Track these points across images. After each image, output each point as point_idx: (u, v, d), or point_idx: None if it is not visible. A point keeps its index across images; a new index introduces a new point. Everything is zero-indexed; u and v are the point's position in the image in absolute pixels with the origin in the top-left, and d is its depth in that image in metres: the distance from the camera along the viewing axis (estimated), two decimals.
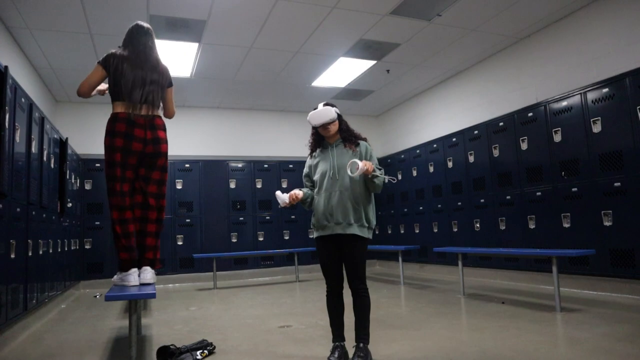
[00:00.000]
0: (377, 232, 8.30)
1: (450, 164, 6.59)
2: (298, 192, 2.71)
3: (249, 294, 5.82)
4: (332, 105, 2.76)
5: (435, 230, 6.82)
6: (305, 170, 2.89)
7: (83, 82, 2.93)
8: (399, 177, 7.79)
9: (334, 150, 2.75)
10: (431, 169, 7.00)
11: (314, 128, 2.80)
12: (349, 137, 2.77)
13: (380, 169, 2.67)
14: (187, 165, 7.52)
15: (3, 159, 3.09)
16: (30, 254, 3.83)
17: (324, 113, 2.69)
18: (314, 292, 5.71)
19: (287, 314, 4.31)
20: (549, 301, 4.19)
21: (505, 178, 5.60)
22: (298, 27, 5.10)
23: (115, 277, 2.90)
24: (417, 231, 7.21)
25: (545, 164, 5.04)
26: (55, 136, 5.06)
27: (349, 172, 2.52)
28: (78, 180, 6.54)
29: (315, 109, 2.76)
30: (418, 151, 7.33)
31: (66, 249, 5.46)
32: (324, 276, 2.73)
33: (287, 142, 8.38)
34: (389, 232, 8.03)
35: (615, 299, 4.20)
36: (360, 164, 2.46)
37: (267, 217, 7.85)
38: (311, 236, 7.85)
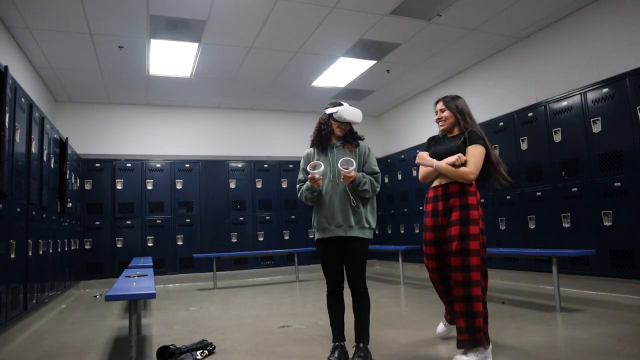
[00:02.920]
0: (377, 232, 8.30)
1: None
2: (319, 180, 2.60)
3: (249, 294, 5.82)
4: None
5: None
6: (303, 165, 2.81)
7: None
8: (399, 177, 7.79)
9: (334, 152, 2.73)
10: None
11: (329, 121, 2.74)
12: (349, 139, 2.76)
13: (377, 173, 2.69)
14: (187, 165, 7.52)
15: (3, 159, 3.09)
16: (30, 254, 3.83)
17: (358, 115, 2.71)
18: (314, 292, 5.71)
19: (287, 314, 4.31)
20: (549, 301, 4.19)
21: None
22: (298, 27, 5.10)
23: (469, 357, 2.46)
24: (417, 231, 7.20)
25: (545, 164, 5.04)
26: (55, 136, 5.06)
27: (338, 165, 2.55)
28: (78, 180, 6.54)
29: (337, 104, 2.74)
30: (418, 151, 7.31)
31: (66, 249, 5.46)
32: (325, 277, 2.73)
33: (287, 142, 8.38)
34: (389, 232, 8.03)
35: (615, 299, 4.19)
36: (347, 170, 2.51)
37: (267, 217, 7.84)
38: (311, 236, 7.86)
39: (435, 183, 2.82)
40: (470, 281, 2.48)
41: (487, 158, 2.70)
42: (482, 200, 5.90)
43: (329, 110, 2.75)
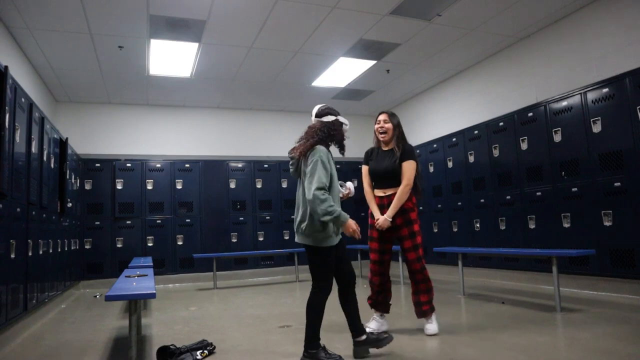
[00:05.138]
0: None
1: (450, 164, 6.59)
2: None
3: (249, 294, 5.82)
4: (326, 114, 2.83)
5: (435, 230, 6.82)
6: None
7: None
8: None
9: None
10: (431, 169, 7.00)
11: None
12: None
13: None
14: (187, 165, 7.52)
15: (3, 159, 3.09)
16: (30, 254, 3.83)
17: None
18: None
19: (287, 314, 4.31)
20: (549, 301, 4.19)
21: (505, 178, 5.60)
22: (298, 27, 5.10)
23: (434, 324, 3.23)
24: None
25: (545, 164, 5.03)
26: (55, 136, 5.06)
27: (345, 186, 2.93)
28: (78, 180, 6.54)
29: (333, 112, 2.85)
30: (418, 151, 7.32)
31: (66, 249, 5.46)
32: (329, 280, 2.73)
33: (287, 142, 8.29)
34: None
35: (615, 299, 4.19)
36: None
37: (267, 217, 7.84)
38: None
39: (380, 193, 3.34)
40: (424, 266, 3.23)
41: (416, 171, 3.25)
42: (482, 201, 5.94)
43: (342, 119, 2.87)
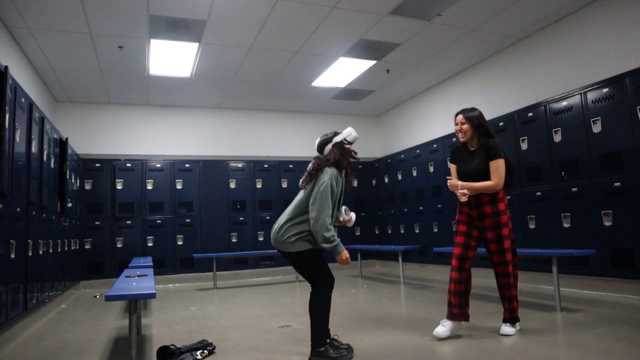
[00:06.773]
0: (377, 232, 8.29)
1: None
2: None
3: (249, 294, 5.82)
4: (324, 144, 2.84)
5: (435, 230, 6.81)
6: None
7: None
8: (399, 177, 7.78)
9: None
10: (431, 169, 7.00)
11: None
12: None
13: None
14: (187, 165, 7.52)
15: (3, 159, 3.09)
16: (30, 254, 3.83)
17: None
18: None
19: (287, 314, 4.31)
20: (549, 301, 4.19)
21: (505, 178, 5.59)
22: (298, 27, 5.10)
23: (511, 328, 3.13)
24: (417, 231, 7.20)
25: (545, 164, 5.03)
26: (55, 136, 5.06)
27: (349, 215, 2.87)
28: (78, 180, 6.54)
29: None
30: (418, 151, 7.33)
31: (66, 249, 5.46)
32: (328, 278, 2.87)
33: (287, 142, 8.37)
34: (389, 232, 8.02)
35: (616, 299, 4.19)
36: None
37: (267, 217, 7.84)
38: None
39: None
40: (508, 273, 3.10)
41: (507, 167, 3.11)
42: None
43: (339, 137, 2.83)
